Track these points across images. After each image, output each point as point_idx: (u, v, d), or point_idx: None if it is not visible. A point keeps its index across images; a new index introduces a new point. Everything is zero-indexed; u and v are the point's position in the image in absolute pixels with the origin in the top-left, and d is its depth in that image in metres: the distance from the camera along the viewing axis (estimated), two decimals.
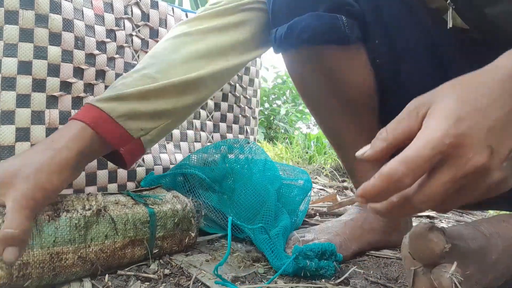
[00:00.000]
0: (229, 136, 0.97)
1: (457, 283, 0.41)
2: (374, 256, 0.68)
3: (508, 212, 0.70)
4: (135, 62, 0.75)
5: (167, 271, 0.54)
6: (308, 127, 3.69)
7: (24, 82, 0.59)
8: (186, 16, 0.85)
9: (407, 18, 0.63)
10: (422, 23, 0.62)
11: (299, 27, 0.60)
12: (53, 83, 0.62)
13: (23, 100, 0.59)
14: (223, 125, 0.95)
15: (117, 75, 0.71)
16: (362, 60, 0.64)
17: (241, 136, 1.00)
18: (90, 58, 0.66)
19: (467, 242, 0.46)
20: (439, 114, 0.33)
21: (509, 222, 0.52)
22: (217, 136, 0.94)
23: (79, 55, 0.65)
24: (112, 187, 0.68)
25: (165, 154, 0.81)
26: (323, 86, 0.67)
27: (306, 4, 0.61)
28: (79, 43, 0.65)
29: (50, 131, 0.61)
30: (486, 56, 0.61)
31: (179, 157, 0.83)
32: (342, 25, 0.59)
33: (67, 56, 0.63)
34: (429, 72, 0.63)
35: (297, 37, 0.60)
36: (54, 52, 0.61)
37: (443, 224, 1.01)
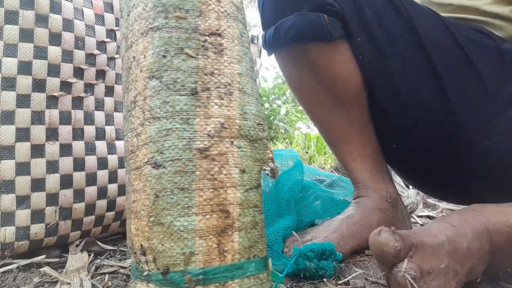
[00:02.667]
0: None
1: (410, 279, 0.40)
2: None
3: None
4: None
5: None
6: (308, 127, 3.69)
7: (24, 82, 0.59)
8: None
9: (390, 15, 0.65)
10: (405, 18, 0.65)
11: (285, 27, 0.64)
12: (53, 83, 0.62)
13: (23, 100, 0.59)
14: None
15: (118, 75, 0.71)
16: (346, 56, 0.67)
17: None
18: (90, 58, 0.66)
19: (436, 236, 0.46)
20: None
21: (478, 210, 0.53)
22: None
23: (79, 55, 0.65)
24: (112, 187, 0.68)
25: None
26: (312, 82, 0.70)
27: (291, 6, 0.65)
28: (79, 43, 0.65)
29: (50, 131, 0.61)
30: (479, 52, 0.64)
31: None
32: (324, 23, 0.63)
33: (67, 56, 0.63)
34: (415, 67, 0.65)
35: (284, 36, 0.64)
36: (54, 52, 0.61)
37: None
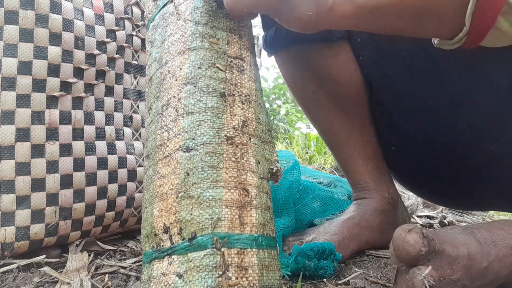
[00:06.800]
0: None
1: (427, 286, 0.41)
2: (374, 256, 0.68)
3: (508, 218, 0.70)
4: (135, 62, 0.75)
5: None
6: (308, 127, 3.69)
7: (24, 82, 0.59)
8: None
9: None
10: None
11: (285, 28, 0.63)
12: (53, 83, 0.62)
13: (23, 100, 0.59)
14: None
15: (118, 75, 0.71)
16: (347, 57, 0.66)
17: None
18: (90, 58, 0.66)
19: (458, 247, 0.46)
20: None
21: (507, 230, 0.52)
22: None
23: (79, 55, 0.65)
24: (112, 187, 0.69)
25: None
26: (312, 83, 0.69)
27: None
28: (79, 43, 0.65)
29: (50, 131, 0.61)
30: (477, 55, 0.62)
31: None
32: None
33: (67, 56, 0.63)
34: (417, 69, 0.63)
35: (285, 38, 0.63)
36: (54, 52, 0.61)
37: (444, 224, 1.01)
